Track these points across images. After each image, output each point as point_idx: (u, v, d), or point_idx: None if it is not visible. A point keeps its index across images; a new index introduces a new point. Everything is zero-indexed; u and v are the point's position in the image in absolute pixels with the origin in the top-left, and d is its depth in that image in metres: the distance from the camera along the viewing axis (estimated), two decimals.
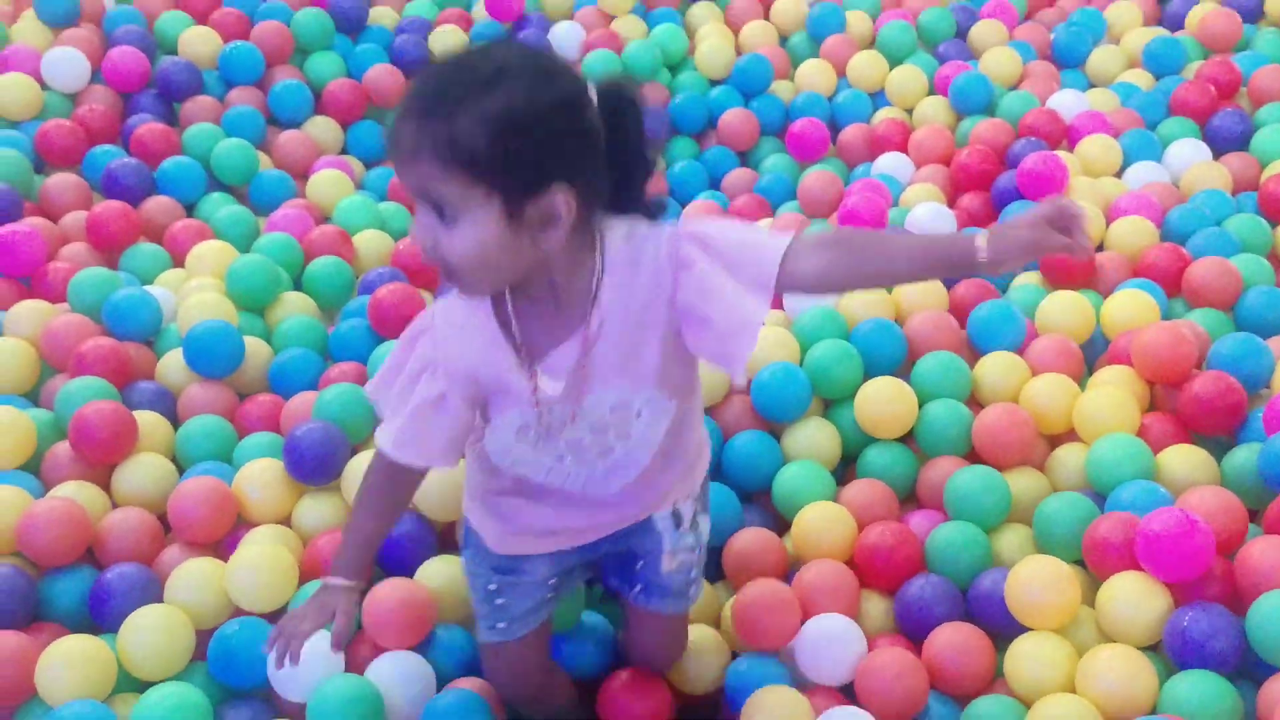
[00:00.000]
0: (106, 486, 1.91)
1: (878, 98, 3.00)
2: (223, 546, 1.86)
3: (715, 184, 2.88)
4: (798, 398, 1.99)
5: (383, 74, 2.93)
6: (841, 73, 3.05)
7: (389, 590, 1.73)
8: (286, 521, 1.91)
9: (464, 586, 1.67)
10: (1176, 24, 3.09)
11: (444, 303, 1.36)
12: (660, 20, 3.13)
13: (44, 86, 2.69)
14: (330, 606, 1.47)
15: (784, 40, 3.16)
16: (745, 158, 2.97)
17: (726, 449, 1.99)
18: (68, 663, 1.61)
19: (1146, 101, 2.74)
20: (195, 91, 2.81)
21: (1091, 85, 2.95)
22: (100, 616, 1.74)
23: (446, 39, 3.03)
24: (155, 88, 2.81)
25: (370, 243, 2.47)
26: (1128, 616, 1.65)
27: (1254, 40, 2.94)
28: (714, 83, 3.06)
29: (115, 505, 1.89)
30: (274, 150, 2.80)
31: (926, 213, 2.40)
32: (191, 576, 1.75)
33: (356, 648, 1.72)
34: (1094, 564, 1.75)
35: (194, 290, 2.22)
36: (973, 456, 1.95)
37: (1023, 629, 1.68)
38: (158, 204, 2.53)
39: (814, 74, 3.03)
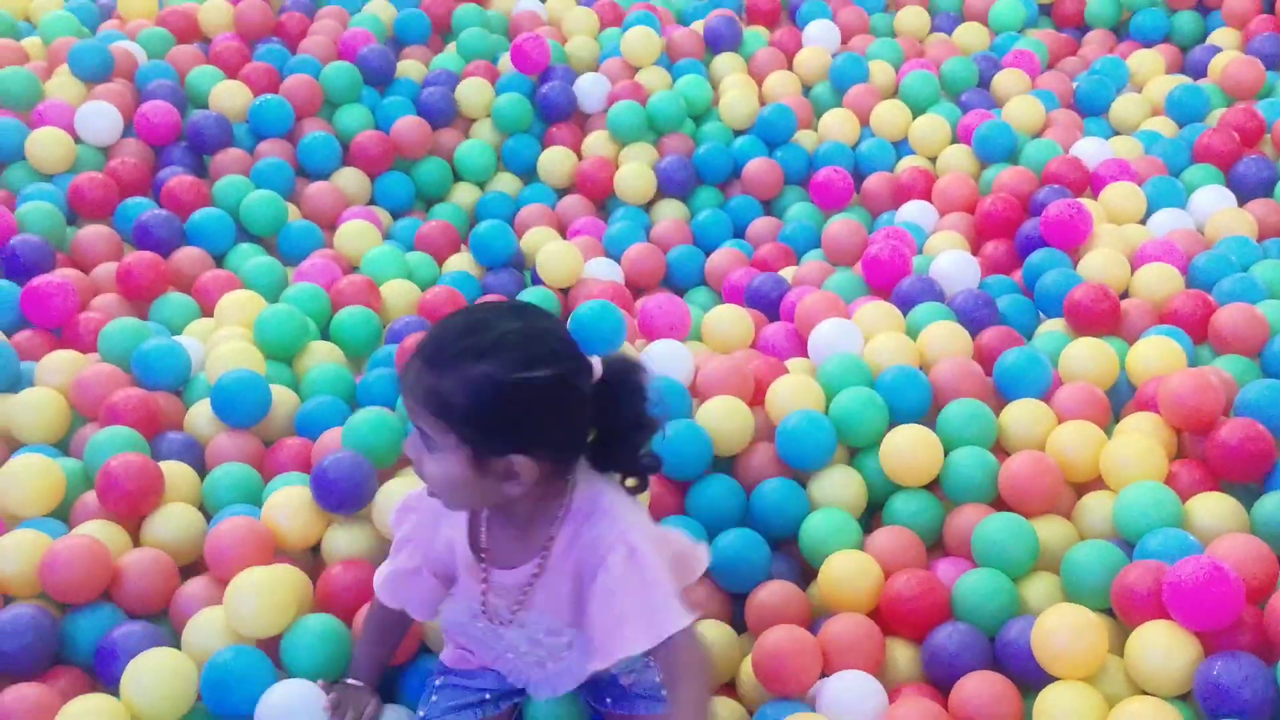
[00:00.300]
0: (135, 535, 1.92)
1: (901, 146, 3.02)
2: None
3: (740, 233, 2.89)
4: (822, 446, 1.99)
5: (410, 125, 2.97)
6: (865, 122, 3.06)
7: None
8: (317, 549, 1.92)
9: None
10: (1199, 72, 3.11)
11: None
12: (684, 71, 3.16)
13: (77, 140, 2.74)
14: (346, 703, 1.64)
15: (807, 90, 3.19)
16: (769, 207, 2.98)
17: (753, 497, 1.98)
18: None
19: (1170, 149, 2.74)
20: (225, 144, 2.85)
21: (1115, 133, 2.96)
22: (107, 676, 1.72)
23: (473, 91, 3.06)
24: (186, 140, 2.85)
25: (397, 292, 2.49)
26: (1157, 666, 1.63)
27: (1277, 87, 2.95)
28: (738, 132, 3.07)
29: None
30: (302, 201, 2.83)
31: (950, 261, 2.41)
32: (209, 623, 1.76)
33: None
34: (1123, 612, 1.73)
35: (222, 340, 2.24)
36: (999, 504, 1.94)
37: (1051, 678, 1.66)
38: (187, 255, 2.56)
39: (837, 123, 3.05)
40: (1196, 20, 3.29)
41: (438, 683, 1.68)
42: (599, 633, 1.44)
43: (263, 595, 1.73)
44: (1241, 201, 2.58)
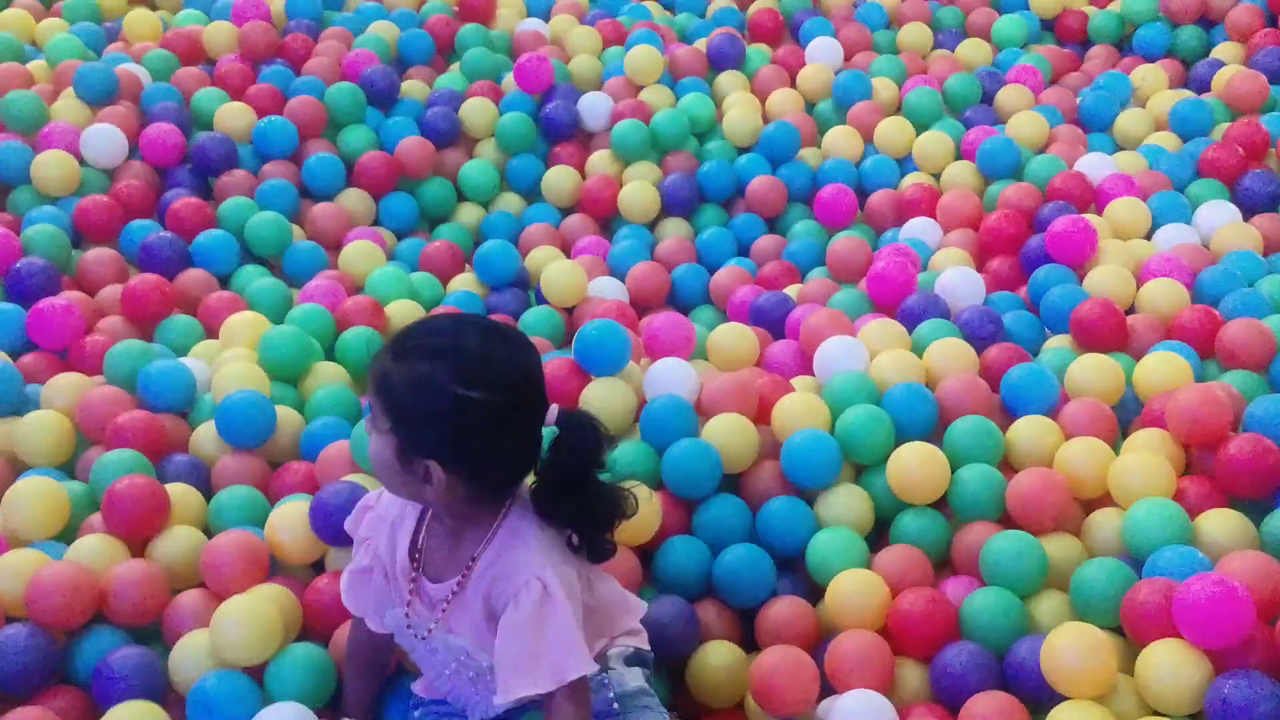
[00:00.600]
0: (140, 558, 1.91)
1: (905, 163, 3.02)
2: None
3: (744, 251, 2.89)
4: (828, 464, 1.99)
5: (414, 146, 2.97)
6: (868, 139, 3.07)
7: None
8: (319, 566, 1.92)
9: None
10: (1203, 86, 3.11)
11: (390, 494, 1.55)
12: (688, 89, 3.16)
13: (82, 163, 2.74)
14: None
15: (810, 107, 3.19)
16: (773, 224, 2.98)
17: (759, 516, 1.98)
18: None
19: (1174, 164, 2.74)
20: (230, 165, 2.86)
21: (1119, 148, 2.96)
22: (104, 699, 1.71)
23: (476, 111, 3.06)
24: (191, 162, 2.85)
25: (402, 313, 2.49)
26: (1167, 684, 1.63)
27: None
28: (741, 150, 3.08)
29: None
30: (307, 222, 2.83)
31: (955, 277, 2.41)
32: (195, 648, 1.75)
33: None
34: (1132, 630, 1.72)
35: (227, 361, 2.23)
36: (1007, 521, 1.93)
37: (1060, 697, 1.66)
38: (192, 276, 2.56)
39: (841, 140, 3.05)
40: (1199, 35, 3.30)
41: (416, 714, 1.68)
42: (503, 668, 1.44)
43: (248, 624, 1.72)
44: (1246, 216, 2.57)
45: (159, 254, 2.57)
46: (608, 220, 3.00)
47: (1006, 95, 3.10)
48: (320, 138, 2.98)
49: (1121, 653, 1.71)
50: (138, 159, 2.82)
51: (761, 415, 2.09)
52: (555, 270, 2.62)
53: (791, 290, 2.57)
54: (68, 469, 2.10)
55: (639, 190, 2.93)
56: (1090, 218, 2.50)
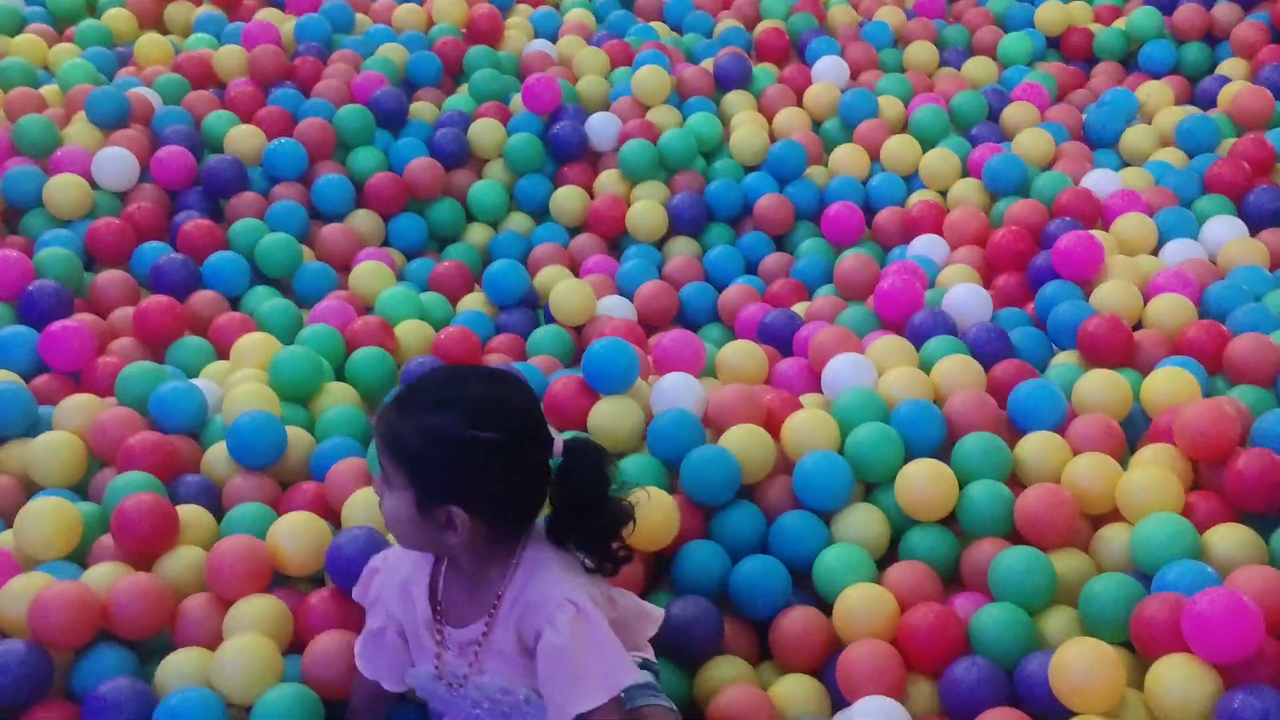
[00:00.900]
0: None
1: (911, 181, 3.03)
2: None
3: (751, 269, 2.90)
4: (840, 486, 1.99)
5: (423, 167, 2.99)
6: (875, 157, 3.08)
7: None
8: (321, 576, 1.92)
9: None
10: (1209, 102, 3.11)
11: (398, 551, 1.60)
12: (695, 109, 3.18)
13: (94, 186, 2.76)
14: None
15: (817, 126, 3.20)
16: (781, 242, 2.99)
17: (772, 530, 1.98)
18: None
19: (1181, 180, 2.75)
20: (240, 188, 2.88)
21: (1125, 164, 2.96)
22: None
23: (485, 132, 3.08)
24: (201, 185, 2.87)
25: (411, 333, 2.50)
26: (1177, 699, 1.62)
27: None
28: (749, 169, 3.09)
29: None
30: (317, 243, 2.85)
31: (962, 294, 2.41)
32: (185, 667, 1.75)
33: None
34: (1141, 645, 1.72)
35: (238, 382, 2.24)
36: (1015, 537, 1.93)
37: (1070, 713, 1.66)
38: (203, 298, 2.58)
39: (847, 158, 3.06)
40: (1205, 51, 3.31)
41: None
42: (554, 691, 1.48)
43: (243, 667, 1.72)
44: (1253, 231, 2.58)
45: (170, 276, 2.59)
46: (616, 239, 3.01)
47: (1012, 112, 3.11)
48: (330, 159, 3.00)
49: (1131, 668, 1.71)
50: (149, 182, 2.83)
51: (770, 431, 2.09)
52: (564, 289, 2.63)
53: (799, 308, 2.58)
54: (80, 490, 2.11)
55: (647, 209, 2.95)
56: (1097, 234, 2.50)
